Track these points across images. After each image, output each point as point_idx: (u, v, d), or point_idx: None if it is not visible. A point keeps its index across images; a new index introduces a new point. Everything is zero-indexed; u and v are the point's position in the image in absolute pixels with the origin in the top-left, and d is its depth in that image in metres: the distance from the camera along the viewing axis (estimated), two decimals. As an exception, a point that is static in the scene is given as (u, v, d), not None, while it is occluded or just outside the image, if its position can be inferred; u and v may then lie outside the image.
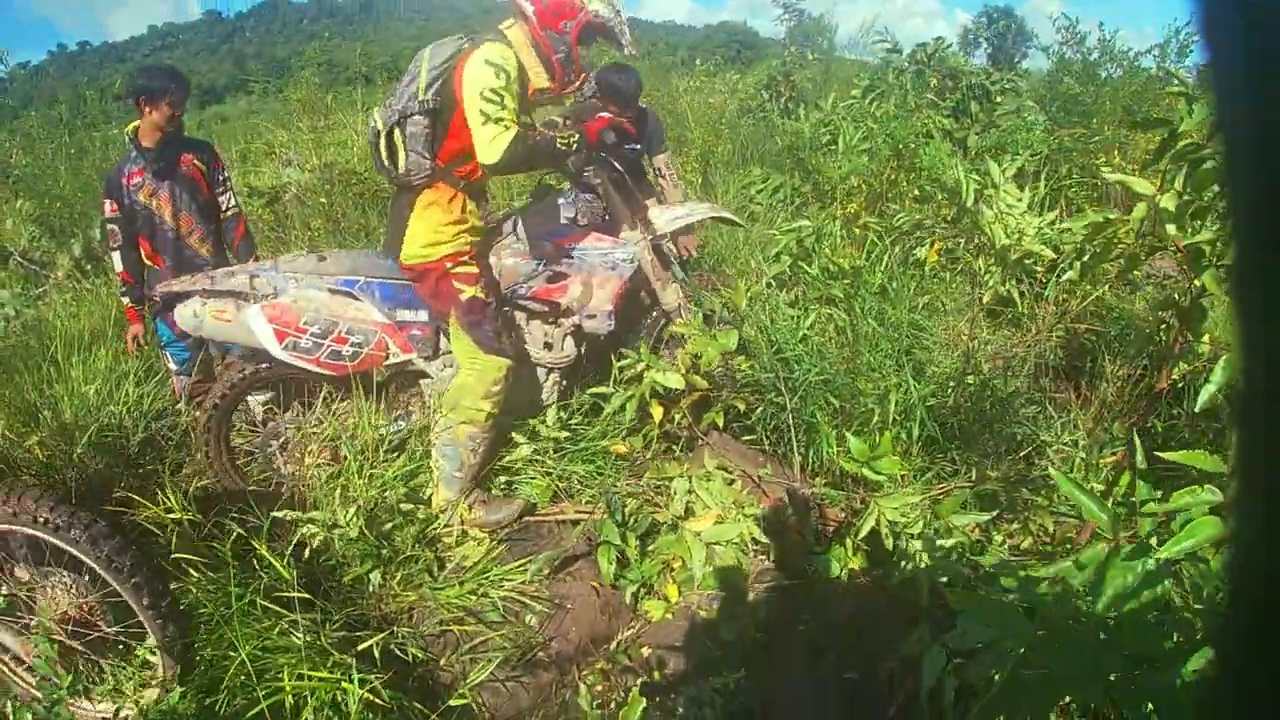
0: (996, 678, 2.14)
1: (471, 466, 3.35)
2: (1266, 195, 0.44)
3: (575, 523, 3.26)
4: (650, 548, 2.96)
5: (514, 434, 3.51)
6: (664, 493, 3.12)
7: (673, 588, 2.83)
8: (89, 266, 7.27)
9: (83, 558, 2.50)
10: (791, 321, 3.48)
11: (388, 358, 3.56)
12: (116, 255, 4.39)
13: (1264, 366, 0.46)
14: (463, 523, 3.28)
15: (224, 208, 4.63)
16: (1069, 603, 1.73)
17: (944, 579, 2.65)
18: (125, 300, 4.47)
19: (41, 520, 2.46)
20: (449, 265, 3.40)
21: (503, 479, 3.56)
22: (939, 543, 2.73)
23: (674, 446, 3.47)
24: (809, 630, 2.82)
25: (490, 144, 3.11)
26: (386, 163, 3.40)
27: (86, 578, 2.59)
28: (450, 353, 3.60)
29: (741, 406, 3.44)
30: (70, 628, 2.59)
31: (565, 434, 3.52)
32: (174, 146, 4.42)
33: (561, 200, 4.13)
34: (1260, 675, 0.47)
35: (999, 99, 8.11)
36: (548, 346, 3.70)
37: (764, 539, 2.84)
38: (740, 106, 9.83)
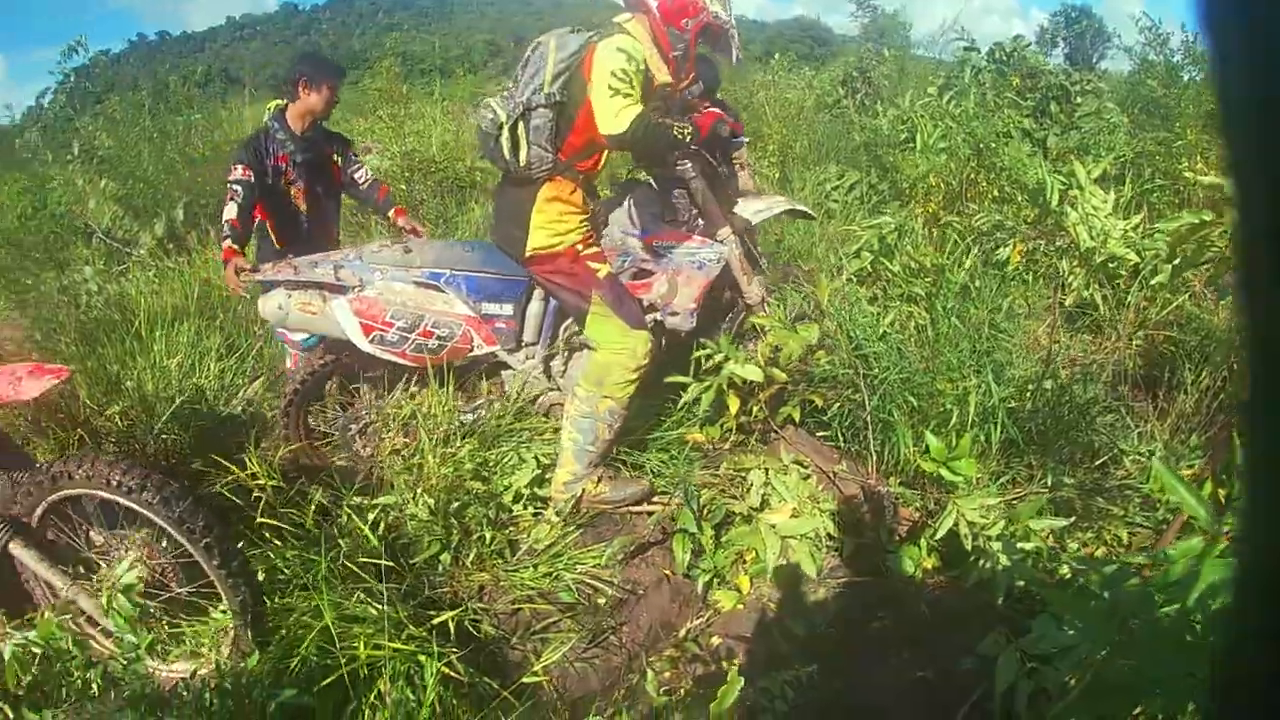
0: (1073, 682, 2.13)
1: (604, 442, 3.36)
2: (1271, 198, 0.44)
3: (649, 511, 3.27)
4: (724, 538, 2.96)
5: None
6: (740, 484, 3.11)
7: (745, 579, 2.82)
8: (171, 246, 7.44)
9: (155, 519, 2.55)
10: (871, 318, 3.45)
11: (472, 350, 3.59)
12: (232, 206, 4.23)
13: (1264, 367, 0.46)
14: (588, 498, 3.32)
15: (362, 180, 4.69)
16: (1153, 602, 1.69)
17: (1020, 582, 2.62)
18: (226, 242, 4.14)
19: (115, 484, 2.52)
20: (580, 248, 3.43)
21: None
22: (1017, 546, 2.70)
23: (750, 438, 3.45)
24: (882, 628, 2.80)
25: (617, 116, 3.11)
26: (507, 155, 3.35)
27: (160, 540, 2.67)
28: (533, 344, 3.65)
29: (819, 402, 3.41)
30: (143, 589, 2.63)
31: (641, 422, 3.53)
32: (320, 139, 4.50)
33: (646, 195, 4.08)
34: (1268, 676, 0.48)
35: (1079, 100, 7.94)
36: None
37: (838, 534, 2.82)
38: (817, 102, 9.75)
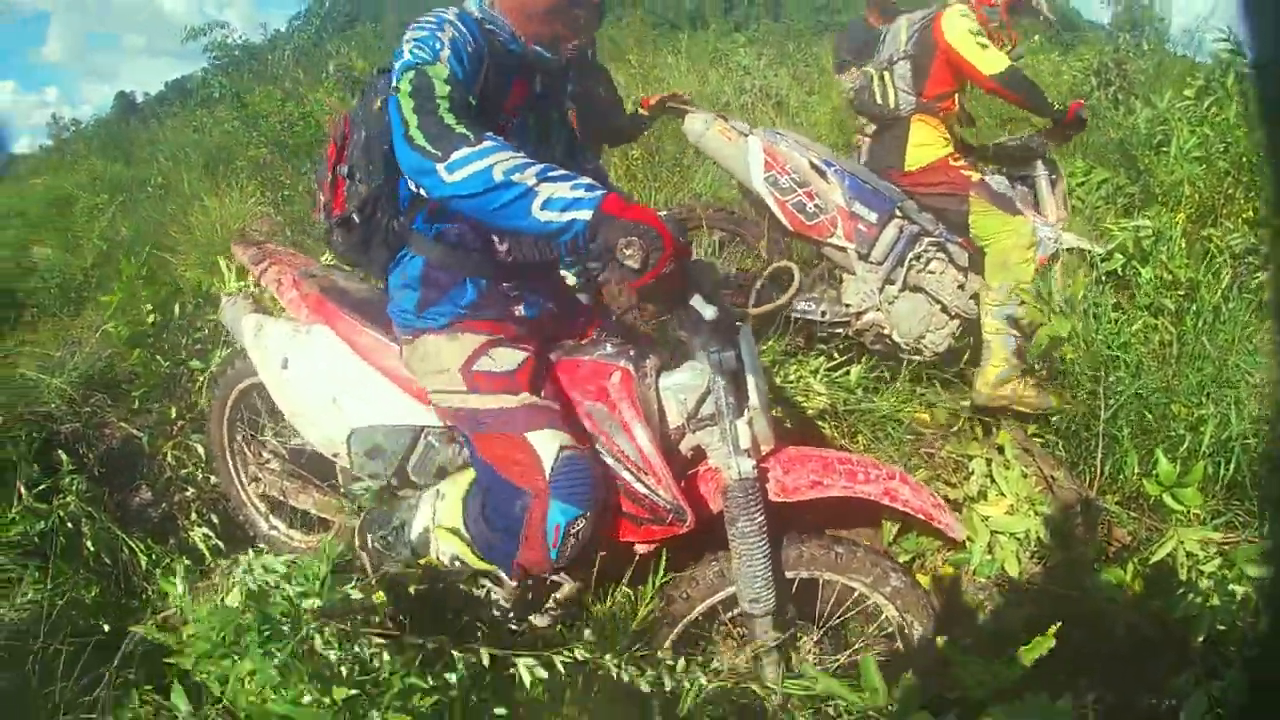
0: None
1: (1023, 331, 3.66)
2: None
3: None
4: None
5: (813, 381, 3.50)
6: (957, 471, 3.06)
7: (948, 567, 2.78)
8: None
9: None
10: (1114, 325, 3.29)
11: (833, 236, 4.03)
12: None
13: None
14: (1014, 398, 3.63)
15: None
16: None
17: (1221, 627, 2.49)
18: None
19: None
20: (952, 160, 4.08)
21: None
22: (1230, 588, 2.55)
23: (975, 427, 3.40)
24: (1072, 645, 2.72)
25: (995, 59, 3.86)
26: (880, 101, 4.19)
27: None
28: (879, 264, 4.04)
29: (1055, 402, 3.32)
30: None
31: (861, 390, 3.55)
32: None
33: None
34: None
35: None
36: (953, 296, 4.05)
37: (1048, 541, 2.74)
38: (1070, 90, 9.17)
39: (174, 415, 3.54)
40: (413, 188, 1.99)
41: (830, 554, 2.33)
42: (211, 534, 3.18)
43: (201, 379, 3.63)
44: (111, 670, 2.21)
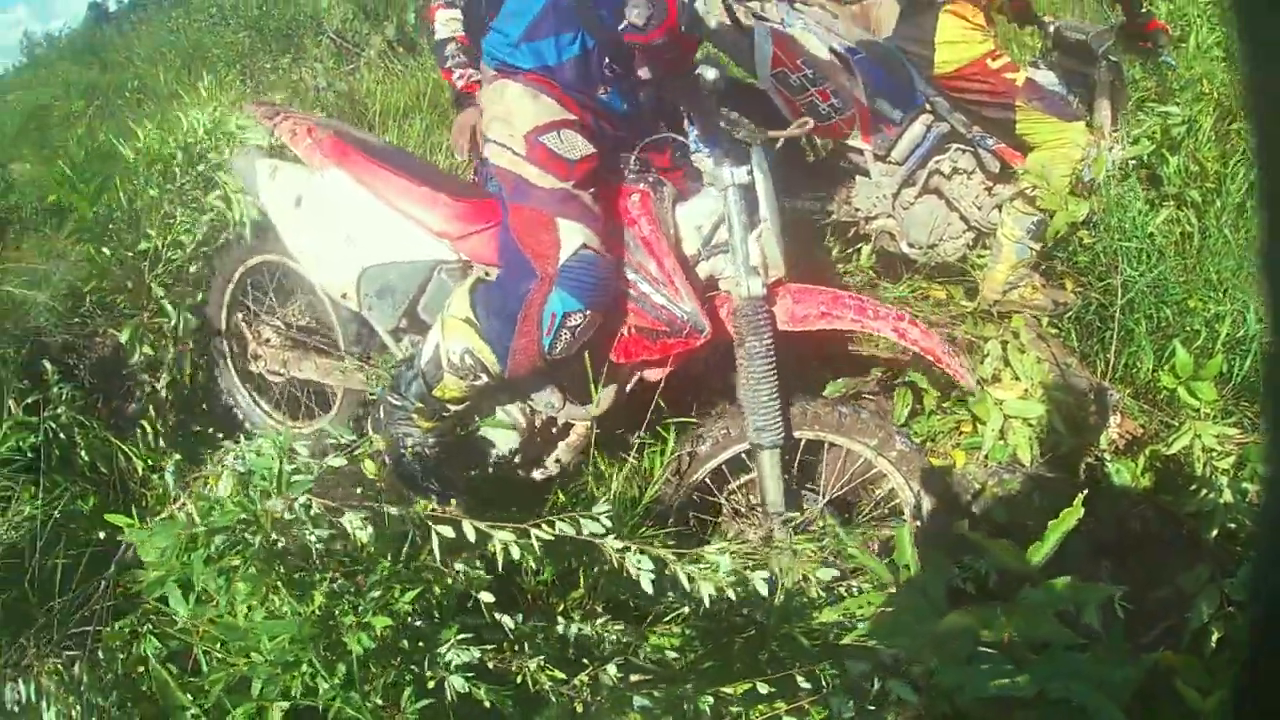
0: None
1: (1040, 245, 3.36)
2: None
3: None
4: (945, 404, 2.84)
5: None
6: (973, 353, 2.97)
7: (959, 452, 2.72)
8: (400, 50, 7.48)
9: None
10: (1141, 214, 3.19)
11: (848, 137, 3.51)
12: None
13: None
14: (1024, 301, 3.36)
15: None
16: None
17: (1232, 525, 2.45)
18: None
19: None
20: (989, 62, 3.34)
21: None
22: (1244, 485, 2.50)
23: (990, 310, 3.30)
24: (1084, 535, 2.68)
25: None
26: None
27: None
28: (897, 165, 3.56)
29: (1069, 286, 3.23)
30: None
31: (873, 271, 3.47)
32: None
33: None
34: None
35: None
36: (976, 206, 3.57)
37: (1060, 428, 2.67)
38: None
39: (128, 308, 3.35)
40: None
41: (834, 413, 2.39)
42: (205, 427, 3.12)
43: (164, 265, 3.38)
44: (111, 578, 2.17)
